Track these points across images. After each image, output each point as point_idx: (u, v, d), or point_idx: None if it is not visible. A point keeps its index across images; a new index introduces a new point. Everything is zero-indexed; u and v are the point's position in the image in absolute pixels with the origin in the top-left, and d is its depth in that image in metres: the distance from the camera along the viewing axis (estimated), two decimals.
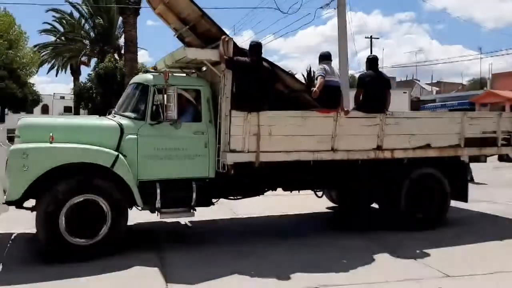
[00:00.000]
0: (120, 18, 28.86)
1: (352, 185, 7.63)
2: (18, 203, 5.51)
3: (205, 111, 6.41)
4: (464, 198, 7.77)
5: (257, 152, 6.30)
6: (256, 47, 6.34)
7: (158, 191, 5.97)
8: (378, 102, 6.94)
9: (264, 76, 6.21)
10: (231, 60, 6.12)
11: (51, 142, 5.55)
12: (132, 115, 6.23)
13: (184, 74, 7.58)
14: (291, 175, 6.94)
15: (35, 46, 39.67)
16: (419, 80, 57.26)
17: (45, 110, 55.44)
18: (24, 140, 5.69)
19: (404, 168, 7.32)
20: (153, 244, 6.42)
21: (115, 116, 6.37)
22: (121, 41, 31.68)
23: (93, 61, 39.22)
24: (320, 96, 6.53)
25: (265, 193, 7.16)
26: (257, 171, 6.68)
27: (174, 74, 6.84)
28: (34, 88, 39.72)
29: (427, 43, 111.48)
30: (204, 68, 7.19)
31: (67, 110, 53.89)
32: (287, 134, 6.48)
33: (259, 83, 6.16)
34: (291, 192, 7.30)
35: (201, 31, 6.93)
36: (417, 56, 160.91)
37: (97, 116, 6.82)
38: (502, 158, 14.04)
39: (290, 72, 6.76)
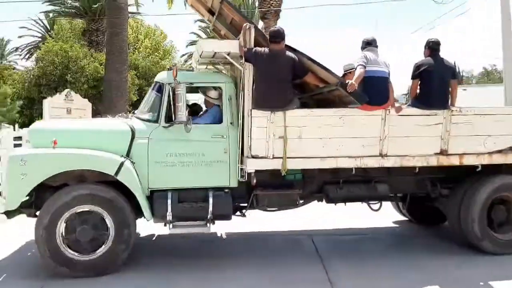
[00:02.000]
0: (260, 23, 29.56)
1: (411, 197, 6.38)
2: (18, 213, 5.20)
3: (227, 112, 5.60)
4: None
5: (283, 158, 5.36)
6: (275, 34, 5.37)
7: (169, 201, 5.30)
8: (439, 95, 5.57)
9: (287, 68, 5.24)
10: (248, 51, 5.24)
11: (54, 147, 5.18)
12: (147, 117, 5.64)
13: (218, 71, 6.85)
14: (334, 184, 5.91)
15: (181, 56, 41.11)
16: None
17: None
18: (34, 145, 5.38)
19: (477, 177, 5.87)
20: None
21: (131, 119, 5.85)
22: None
23: None
24: (362, 90, 5.39)
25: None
26: (290, 180, 5.79)
27: (190, 71, 6.14)
28: None
29: None
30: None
31: None
32: (322, 137, 5.43)
33: (281, 76, 5.21)
34: (335, 204, 6.21)
35: (229, 21, 6.15)
36: None
37: (115, 118, 6.33)
38: None
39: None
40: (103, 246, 5.13)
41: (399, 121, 5.54)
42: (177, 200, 5.36)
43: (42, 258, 5.09)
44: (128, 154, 5.38)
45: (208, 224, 5.41)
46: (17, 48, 35.24)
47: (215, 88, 5.76)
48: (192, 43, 37.06)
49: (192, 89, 6.00)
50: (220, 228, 6.82)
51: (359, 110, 5.44)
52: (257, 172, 5.42)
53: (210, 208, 5.37)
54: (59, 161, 5.09)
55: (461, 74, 44.29)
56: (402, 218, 7.75)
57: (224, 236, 7.00)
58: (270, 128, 5.31)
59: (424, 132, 5.59)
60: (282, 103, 5.22)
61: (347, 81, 5.21)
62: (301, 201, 6.11)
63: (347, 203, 6.20)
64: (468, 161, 5.70)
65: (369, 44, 5.68)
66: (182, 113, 5.22)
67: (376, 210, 6.49)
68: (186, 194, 5.46)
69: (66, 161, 5.10)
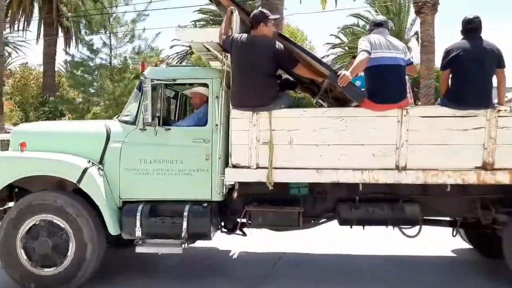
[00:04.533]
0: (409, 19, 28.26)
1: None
2: None
3: (213, 112, 4.77)
4: None
5: (269, 169, 4.38)
6: (255, 18, 4.41)
7: (138, 215, 4.60)
8: (477, 89, 4.17)
9: (266, 57, 4.25)
10: (226, 39, 4.38)
11: (22, 151, 4.80)
12: (127, 118, 5.03)
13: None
14: (349, 202, 4.78)
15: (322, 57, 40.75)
16: None
17: None
18: (12, 148, 5.07)
19: None
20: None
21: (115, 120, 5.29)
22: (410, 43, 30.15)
23: None
24: (369, 83, 4.23)
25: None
26: (293, 195, 4.80)
27: (173, 65, 5.39)
28: None
29: None
30: None
31: None
32: (319, 143, 4.36)
33: (259, 67, 4.25)
34: (350, 227, 5.03)
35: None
36: None
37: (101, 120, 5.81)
38: None
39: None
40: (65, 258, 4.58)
41: (423, 124, 4.26)
42: (150, 214, 4.66)
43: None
44: (101, 159, 4.82)
45: (183, 245, 4.61)
46: (168, 57, 37.20)
47: (203, 85, 4.98)
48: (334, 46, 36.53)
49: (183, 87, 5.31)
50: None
51: (366, 110, 4.27)
52: (248, 184, 4.53)
53: (184, 225, 4.58)
54: (20, 166, 4.67)
55: None
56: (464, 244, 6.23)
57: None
58: (253, 132, 4.39)
59: (459, 139, 4.23)
60: (262, 101, 4.27)
61: (339, 73, 4.08)
62: (311, 221, 5.08)
63: (366, 226, 5.01)
64: None
65: (378, 25, 4.45)
66: (148, 113, 4.51)
67: (413, 237, 5.15)
68: (161, 208, 4.73)
69: (27, 166, 4.66)
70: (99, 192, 4.58)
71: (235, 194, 4.57)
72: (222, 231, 5.26)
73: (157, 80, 4.79)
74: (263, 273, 5.36)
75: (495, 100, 4.29)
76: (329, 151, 4.35)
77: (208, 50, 5.14)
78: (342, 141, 4.33)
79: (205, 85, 4.88)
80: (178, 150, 4.74)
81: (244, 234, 5.39)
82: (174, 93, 5.60)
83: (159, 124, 4.75)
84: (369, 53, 4.19)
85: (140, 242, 4.64)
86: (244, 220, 4.95)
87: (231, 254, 6.20)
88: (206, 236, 4.70)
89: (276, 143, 4.37)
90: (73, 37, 24.50)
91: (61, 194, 4.68)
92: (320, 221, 5.09)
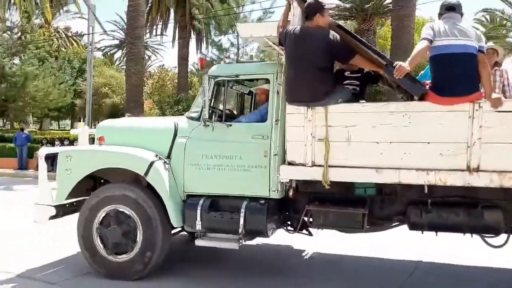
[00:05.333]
0: None
1: None
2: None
3: (273, 108, 4.68)
4: None
5: (324, 167, 4.18)
6: (306, 7, 4.18)
7: (199, 209, 4.71)
8: None
9: (321, 49, 4.03)
10: (281, 33, 4.26)
11: (100, 145, 5.20)
12: (193, 114, 5.17)
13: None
14: (420, 205, 4.38)
15: None
16: None
17: None
18: (96, 142, 5.52)
19: None
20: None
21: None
22: None
23: None
24: (433, 74, 3.80)
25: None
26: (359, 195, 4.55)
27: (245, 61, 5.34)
28: None
29: None
30: None
31: None
32: (379, 141, 4.05)
33: (312, 60, 4.06)
34: (422, 233, 4.59)
35: None
36: None
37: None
38: None
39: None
40: (135, 246, 4.86)
41: (499, 119, 3.73)
42: (210, 209, 4.73)
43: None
44: (169, 154, 5.03)
45: (240, 241, 4.61)
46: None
47: (266, 81, 4.92)
48: None
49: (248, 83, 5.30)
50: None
51: (432, 105, 3.86)
52: (310, 182, 4.39)
53: (241, 221, 4.57)
54: (97, 159, 5.05)
55: None
56: None
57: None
58: (308, 128, 4.23)
59: None
60: (314, 96, 4.08)
61: (395, 64, 3.71)
62: (379, 224, 4.76)
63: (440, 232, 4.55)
64: None
65: (450, 9, 3.95)
66: (205, 109, 4.59)
67: (498, 247, 4.57)
68: (221, 203, 4.79)
69: (102, 159, 5.03)
70: (163, 185, 4.78)
71: (290, 192, 4.46)
72: (288, 230, 5.17)
73: (219, 76, 4.87)
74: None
75: None
76: (390, 149, 4.02)
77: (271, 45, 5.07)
78: (405, 139, 3.97)
79: (267, 80, 4.82)
80: (237, 146, 4.75)
81: (310, 234, 5.25)
82: (248, 89, 5.63)
83: (223, 120, 4.83)
84: (430, 41, 3.78)
85: (200, 236, 4.77)
86: (309, 219, 4.81)
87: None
88: (262, 233, 4.65)
89: (333, 140, 4.16)
90: (204, 38, 25.91)
91: (132, 186, 4.97)
92: (389, 225, 4.75)
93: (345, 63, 4.34)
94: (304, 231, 5.19)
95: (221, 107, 5.04)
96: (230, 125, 4.86)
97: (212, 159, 4.82)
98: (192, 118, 5.09)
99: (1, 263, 5.48)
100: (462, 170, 3.84)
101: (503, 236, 4.49)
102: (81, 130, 5.78)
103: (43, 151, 5.39)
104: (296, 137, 4.29)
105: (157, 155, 4.93)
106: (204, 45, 26.33)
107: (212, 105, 4.90)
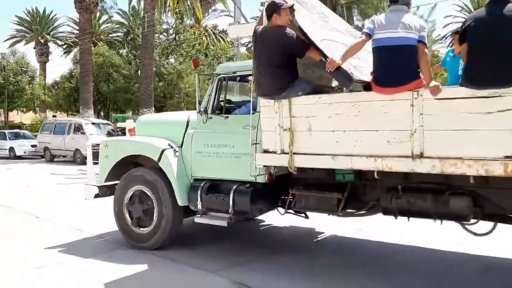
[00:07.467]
0: None
1: None
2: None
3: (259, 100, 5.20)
4: None
5: (289, 154, 4.61)
6: (267, 9, 4.55)
7: (199, 191, 5.43)
8: (491, 64, 3.46)
9: (277, 46, 4.43)
10: (252, 34, 4.73)
11: (131, 135, 6.20)
12: (201, 108, 5.89)
13: None
14: (393, 191, 4.58)
15: None
16: None
17: None
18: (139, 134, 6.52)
19: None
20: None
21: None
22: None
23: None
24: (376, 66, 4.00)
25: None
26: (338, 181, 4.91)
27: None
28: None
29: None
30: None
31: None
32: (335, 130, 4.36)
33: (270, 56, 4.49)
34: (395, 218, 4.74)
35: None
36: None
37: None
38: None
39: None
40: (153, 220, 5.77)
41: (440, 107, 3.82)
42: (208, 191, 5.42)
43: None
44: (182, 143, 5.82)
45: (231, 219, 5.23)
46: (443, 37, 34.53)
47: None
48: None
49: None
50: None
51: (377, 95, 4.06)
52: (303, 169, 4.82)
53: (230, 203, 5.19)
54: (125, 147, 6.07)
55: None
56: None
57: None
58: (276, 119, 4.68)
59: (481, 124, 3.64)
60: (273, 90, 4.52)
61: (328, 58, 3.98)
62: (359, 209, 5.02)
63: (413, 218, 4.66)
64: None
65: (394, 1, 4.04)
66: (203, 103, 5.37)
67: (481, 235, 4.56)
68: (218, 186, 5.45)
69: (128, 147, 6.04)
70: (171, 169, 5.60)
71: (265, 178, 4.96)
72: (287, 212, 5.63)
73: (222, 74, 5.53)
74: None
75: None
76: (344, 137, 4.30)
77: None
78: (356, 128, 4.23)
79: None
80: (231, 136, 5.37)
81: (306, 217, 5.68)
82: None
83: (222, 113, 5.49)
84: (369, 35, 3.98)
85: (201, 214, 5.49)
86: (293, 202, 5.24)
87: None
88: (248, 214, 5.24)
89: (296, 130, 4.56)
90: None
91: (151, 170, 5.87)
92: (366, 210, 4.97)
93: (302, 58, 4.66)
94: (302, 214, 5.68)
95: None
96: (227, 117, 5.49)
97: (211, 148, 5.51)
98: (201, 112, 5.83)
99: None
100: (407, 157, 3.99)
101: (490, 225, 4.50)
102: (127, 123, 6.89)
103: (91, 140, 6.59)
104: (269, 127, 4.76)
105: (169, 144, 5.76)
106: None
107: (215, 99, 5.60)
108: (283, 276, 4.86)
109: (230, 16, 34.52)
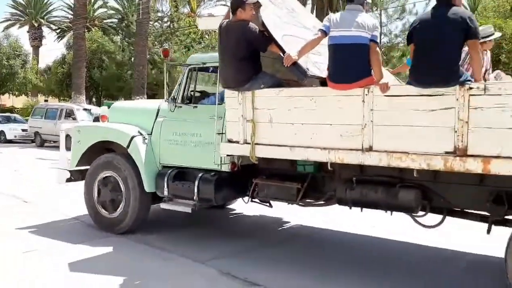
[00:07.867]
0: None
1: None
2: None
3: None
4: None
5: (251, 144, 4.76)
6: (232, 4, 4.69)
7: (166, 178, 5.58)
8: (432, 63, 3.62)
9: (239, 40, 4.58)
10: (218, 27, 4.86)
11: (102, 122, 6.32)
12: (172, 97, 6.02)
13: None
14: (348, 183, 4.74)
15: None
16: None
17: None
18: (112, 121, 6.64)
19: None
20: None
21: None
22: None
23: None
24: (330, 63, 4.14)
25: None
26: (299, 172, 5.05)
27: None
28: None
29: None
30: None
31: None
32: (294, 122, 4.52)
33: (233, 50, 4.64)
34: (350, 208, 4.90)
35: None
36: None
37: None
38: None
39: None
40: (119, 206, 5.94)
41: (388, 104, 3.98)
42: (174, 179, 5.57)
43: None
44: (152, 131, 5.96)
45: (195, 206, 5.39)
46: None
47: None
48: None
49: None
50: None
51: (332, 90, 4.22)
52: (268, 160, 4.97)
53: (195, 190, 5.34)
54: (96, 133, 6.21)
55: None
56: None
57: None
58: (240, 110, 4.83)
59: (426, 120, 3.82)
60: (236, 83, 4.67)
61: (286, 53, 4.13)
62: (318, 199, 5.19)
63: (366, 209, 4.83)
64: (504, 168, 3.52)
65: (349, 1, 4.20)
66: (173, 93, 5.57)
67: (430, 227, 4.74)
68: (184, 174, 5.60)
69: (99, 133, 6.18)
70: (139, 156, 5.74)
71: (229, 166, 5.12)
72: (252, 201, 5.79)
73: (192, 64, 5.66)
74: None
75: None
76: (302, 130, 4.47)
77: None
78: (313, 121, 4.39)
79: None
80: (198, 125, 5.52)
81: (270, 205, 5.85)
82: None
83: (191, 103, 5.63)
84: (325, 33, 4.13)
85: (167, 200, 5.64)
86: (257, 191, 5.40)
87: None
88: (211, 201, 5.40)
89: (258, 121, 4.72)
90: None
91: (119, 156, 6.01)
92: (324, 200, 5.13)
93: (264, 52, 4.80)
94: (267, 203, 5.85)
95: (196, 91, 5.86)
96: (196, 107, 5.64)
97: (180, 136, 5.66)
98: (167, 101, 5.95)
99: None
100: (357, 150, 4.16)
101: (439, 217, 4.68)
102: (100, 110, 7.01)
103: (63, 126, 6.71)
104: (233, 118, 4.91)
105: (139, 131, 5.90)
106: None
107: (185, 89, 5.74)
108: (272, 267, 4.94)
109: (226, 5, 34.66)
